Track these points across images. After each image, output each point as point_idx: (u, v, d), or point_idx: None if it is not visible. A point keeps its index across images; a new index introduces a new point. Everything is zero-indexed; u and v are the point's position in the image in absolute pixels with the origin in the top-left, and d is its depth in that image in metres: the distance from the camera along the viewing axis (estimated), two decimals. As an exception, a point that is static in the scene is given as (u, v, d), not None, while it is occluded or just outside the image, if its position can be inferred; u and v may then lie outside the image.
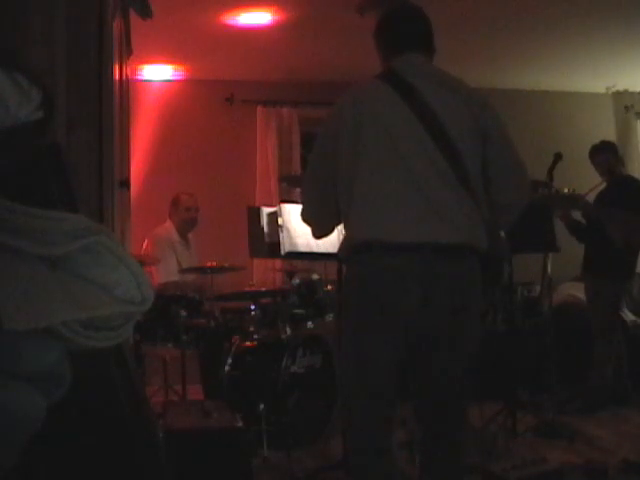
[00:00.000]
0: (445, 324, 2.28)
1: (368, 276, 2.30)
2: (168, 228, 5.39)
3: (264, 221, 3.98)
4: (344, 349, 2.47)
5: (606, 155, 5.05)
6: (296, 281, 4.78)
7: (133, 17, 4.17)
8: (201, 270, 4.81)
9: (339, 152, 2.38)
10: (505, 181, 2.41)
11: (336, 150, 2.39)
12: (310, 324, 4.70)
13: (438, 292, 2.25)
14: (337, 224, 2.54)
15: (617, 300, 4.95)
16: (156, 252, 5.18)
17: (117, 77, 3.52)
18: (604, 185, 5.06)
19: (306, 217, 2.63)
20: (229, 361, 4.32)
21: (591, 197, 4.99)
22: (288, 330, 4.47)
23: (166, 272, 5.08)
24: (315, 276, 4.80)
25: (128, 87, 4.71)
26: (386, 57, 2.53)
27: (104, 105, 2.67)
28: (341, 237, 2.53)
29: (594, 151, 5.10)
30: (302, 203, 2.63)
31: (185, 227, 5.42)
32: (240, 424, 3.29)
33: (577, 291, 5.67)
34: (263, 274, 5.97)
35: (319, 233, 2.69)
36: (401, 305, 2.25)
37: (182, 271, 5.00)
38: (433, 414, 2.40)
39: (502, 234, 2.58)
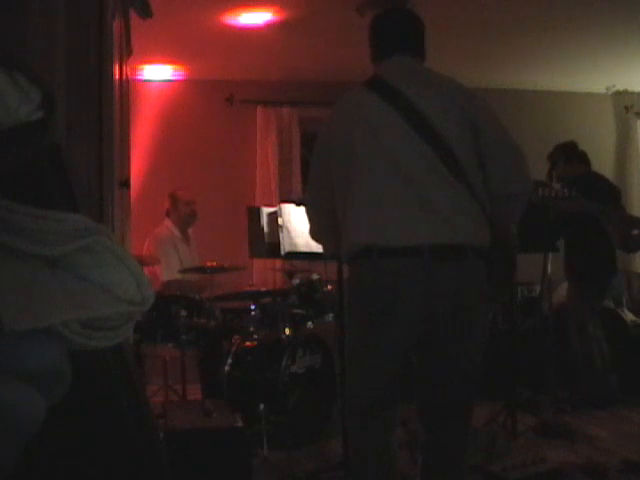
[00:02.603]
0: (447, 325, 2.28)
1: (368, 280, 2.31)
2: (168, 226, 5.42)
3: (264, 221, 3.98)
4: (347, 349, 2.48)
5: (556, 164, 5.03)
6: (296, 281, 4.78)
7: (133, 17, 4.17)
8: (201, 270, 4.81)
9: (334, 163, 2.40)
10: (502, 173, 2.38)
11: (331, 162, 2.41)
12: (310, 324, 4.70)
13: (439, 294, 2.25)
14: None
15: (593, 299, 4.95)
16: (158, 251, 5.21)
17: (117, 77, 3.52)
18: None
19: (314, 237, 2.67)
20: (229, 361, 4.33)
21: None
22: (288, 330, 4.48)
23: (169, 270, 5.11)
24: (315, 276, 4.80)
25: (128, 87, 4.71)
26: (375, 59, 2.56)
27: (104, 105, 2.67)
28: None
29: (549, 160, 5.05)
30: (308, 222, 2.65)
31: (186, 222, 5.45)
32: (240, 424, 3.29)
33: (577, 291, 5.67)
34: (263, 274, 5.97)
35: (329, 252, 2.72)
36: (402, 308, 2.26)
37: (182, 271, 5.00)
38: (436, 415, 2.40)
39: (514, 229, 2.55)
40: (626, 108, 6.95)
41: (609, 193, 5.02)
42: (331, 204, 2.44)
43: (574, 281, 5.04)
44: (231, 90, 6.26)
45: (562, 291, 5.86)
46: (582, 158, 5.14)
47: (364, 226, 2.29)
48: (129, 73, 5.01)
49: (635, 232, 4.63)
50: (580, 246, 4.92)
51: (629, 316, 5.66)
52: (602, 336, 4.99)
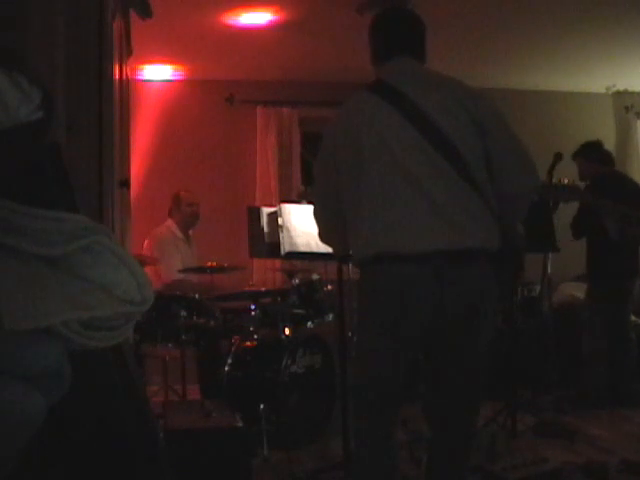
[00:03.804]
0: (456, 329, 2.29)
1: (379, 285, 2.31)
2: (170, 226, 5.42)
3: (264, 221, 3.98)
4: (355, 351, 2.49)
5: (577, 161, 5.06)
6: (296, 281, 4.78)
7: (133, 17, 4.17)
8: (201, 270, 4.81)
9: (339, 167, 2.39)
10: (510, 171, 2.37)
11: (336, 166, 2.41)
12: (310, 324, 4.70)
13: (449, 299, 2.25)
14: None
15: (616, 300, 4.94)
16: (159, 251, 5.20)
17: (117, 77, 3.52)
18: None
19: (325, 241, 2.68)
20: (229, 361, 4.32)
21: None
22: (288, 330, 4.47)
23: (171, 270, 5.10)
24: (315, 276, 4.80)
25: (128, 87, 4.71)
26: (376, 60, 2.54)
27: (104, 105, 2.67)
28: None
29: (573, 158, 5.10)
30: (317, 227, 2.65)
31: (188, 223, 5.45)
32: (240, 424, 3.29)
33: (577, 291, 5.66)
34: (263, 274, 5.97)
35: (339, 253, 2.72)
36: (412, 314, 2.26)
37: (182, 271, 5.00)
38: (443, 415, 2.41)
39: (520, 228, 2.54)
40: (626, 108, 6.94)
41: (627, 192, 4.99)
42: (338, 207, 2.43)
43: (591, 281, 5.03)
44: (231, 90, 6.26)
45: (562, 291, 5.87)
46: (604, 158, 5.15)
47: (373, 233, 2.29)
48: (129, 73, 5.01)
49: (634, 228, 4.63)
50: (600, 247, 4.90)
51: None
52: (634, 338, 4.98)
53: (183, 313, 4.47)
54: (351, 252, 2.49)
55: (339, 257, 2.80)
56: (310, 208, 2.73)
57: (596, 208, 4.73)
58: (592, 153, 5.10)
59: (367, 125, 2.34)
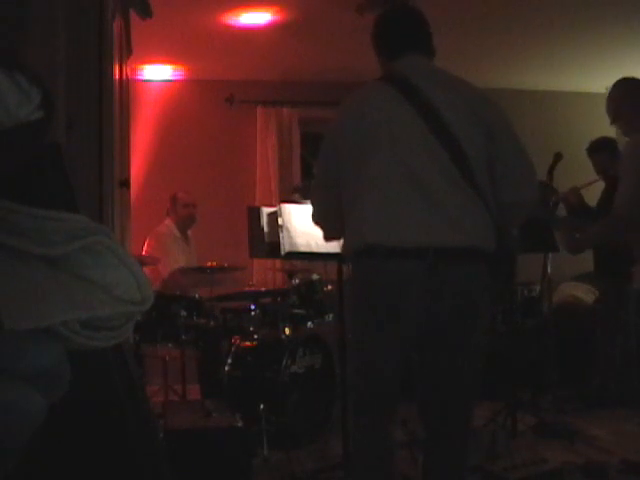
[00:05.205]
0: (450, 326, 2.28)
1: (373, 279, 2.30)
2: (169, 225, 5.47)
3: (264, 221, 3.97)
4: (350, 348, 2.48)
5: (601, 156, 5.05)
6: (296, 281, 4.78)
7: (133, 17, 4.17)
8: (201, 270, 4.82)
9: (342, 155, 2.39)
10: (511, 179, 2.36)
11: (339, 153, 2.40)
12: (310, 324, 4.70)
13: (444, 296, 2.24)
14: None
15: (622, 300, 4.93)
16: (160, 248, 5.23)
17: (117, 77, 3.52)
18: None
19: (316, 220, 2.66)
20: (229, 361, 4.33)
21: (593, 193, 4.98)
22: (288, 330, 4.47)
23: (173, 263, 5.12)
24: (315, 276, 4.80)
25: (128, 87, 4.72)
26: (386, 59, 2.53)
27: (104, 105, 2.67)
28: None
29: (590, 150, 5.09)
30: (312, 207, 2.64)
31: (184, 223, 5.48)
32: (240, 424, 3.29)
33: (577, 291, 5.67)
34: (263, 274, 5.97)
35: (329, 236, 2.71)
36: (406, 308, 2.25)
37: (181, 271, 5.01)
38: (438, 414, 2.40)
39: (514, 232, 2.53)
40: (626, 108, 6.94)
41: None
42: (336, 190, 2.41)
43: (596, 283, 5.02)
44: (231, 90, 6.25)
45: (562, 291, 5.87)
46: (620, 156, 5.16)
47: (371, 224, 2.27)
48: (129, 73, 5.02)
49: (577, 235, 4.62)
50: (603, 249, 4.89)
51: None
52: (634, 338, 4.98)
53: (183, 313, 4.47)
54: (344, 244, 2.47)
55: (327, 238, 2.77)
56: (308, 207, 2.73)
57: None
58: (616, 149, 5.09)
59: (376, 115, 2.32)
